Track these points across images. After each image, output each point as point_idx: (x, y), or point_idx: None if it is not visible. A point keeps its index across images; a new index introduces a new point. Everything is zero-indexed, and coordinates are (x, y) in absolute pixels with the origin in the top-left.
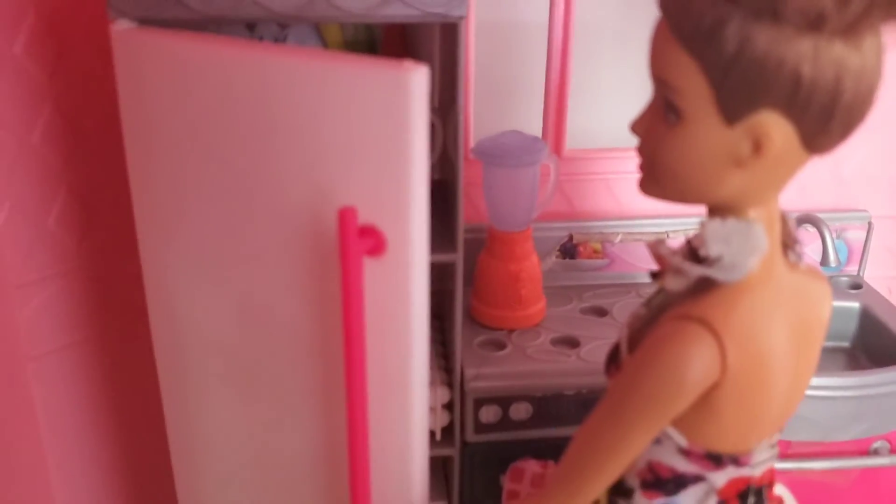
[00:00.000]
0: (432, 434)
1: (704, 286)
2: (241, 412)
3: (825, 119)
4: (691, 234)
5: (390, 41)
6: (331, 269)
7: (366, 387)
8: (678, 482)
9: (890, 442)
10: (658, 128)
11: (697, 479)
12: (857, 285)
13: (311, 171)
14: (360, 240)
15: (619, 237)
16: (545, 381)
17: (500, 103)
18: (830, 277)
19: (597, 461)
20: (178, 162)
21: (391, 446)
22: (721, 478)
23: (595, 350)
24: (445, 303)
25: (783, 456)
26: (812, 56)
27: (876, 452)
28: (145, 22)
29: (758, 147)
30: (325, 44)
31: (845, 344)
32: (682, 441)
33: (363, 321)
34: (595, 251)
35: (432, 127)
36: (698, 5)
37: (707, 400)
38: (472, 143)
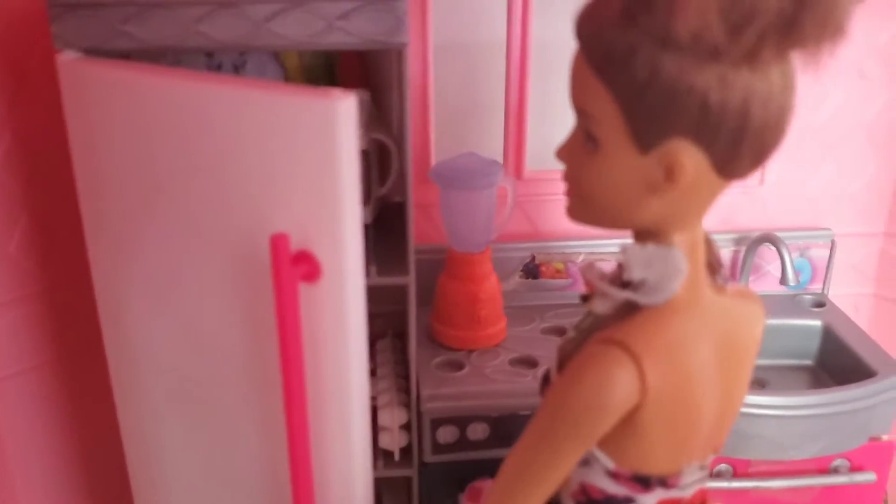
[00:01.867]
0: (391, 454)
1: (630, 310)
2: (192, 434)
3: (735, 145)
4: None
5: (348, 65)
6: (269, 294)
7: (305, 411)
8: None
9: (849, 460)
10: (580, 155)
11: (627, 500)
12: (820, 303)
13: (247, 198)
14: (294, 266)
15: (581, 257)
16: (502, 401)
17: (463, 124)
18: (794, 296)
19: (525, 482)
20: (125, 188)
21: (333, 469)
22: (650, 500)
23: None
24: (406, 323)
25: (743, 475)
26: (718, 84)
27: (836, 471)
28: (94, 52)
29: (670, 174)
30: (284, 68)
31: (808, 362)
32: (610, 463)
33: (300, 346)
34: (558, 271)
35: (388, 150)
36: (609, 34)
37: (630, 422)
38: (432, 165)
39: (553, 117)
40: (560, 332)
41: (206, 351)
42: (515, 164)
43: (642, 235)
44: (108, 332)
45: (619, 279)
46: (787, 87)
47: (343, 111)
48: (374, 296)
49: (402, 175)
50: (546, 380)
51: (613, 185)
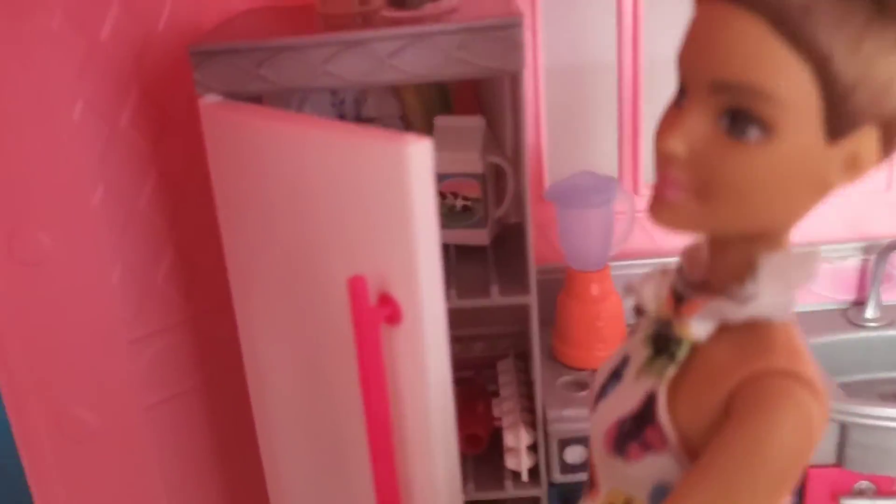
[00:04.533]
0: (518, 475)
1: (733, 327)
2: (318, 453)
3: None
4: (684, 266)
5: (463, 92)
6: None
7: (391, 450)
8: None
9: None
10: (717, 143)
11: None
12: None
13: (335, 240)
14: (377, 308)
15: None
16: None
17: (576, 142)
18: None
19: None
20: (252, 224)
21: None
22: None
23: None
24: (527, 343)
25: (887, 493)
26: None
27: None
28: (233, 95)
29: (853, 167)
30: (402, 99)
31: None
32: None
33: (384, 386)
34: None
35: (503, 173)
36: (828, 4)
37: None
38: (546, 185)
39: None
40: None
41: (319, 381)
42: (632, 179)
43: (749, 237)
44: (247, 359)
45: (707, 291)
46: None
47: (416, 155)
48: (496, 316)
49: (518, 196)
50: (626, 434)
51: (782, 182)
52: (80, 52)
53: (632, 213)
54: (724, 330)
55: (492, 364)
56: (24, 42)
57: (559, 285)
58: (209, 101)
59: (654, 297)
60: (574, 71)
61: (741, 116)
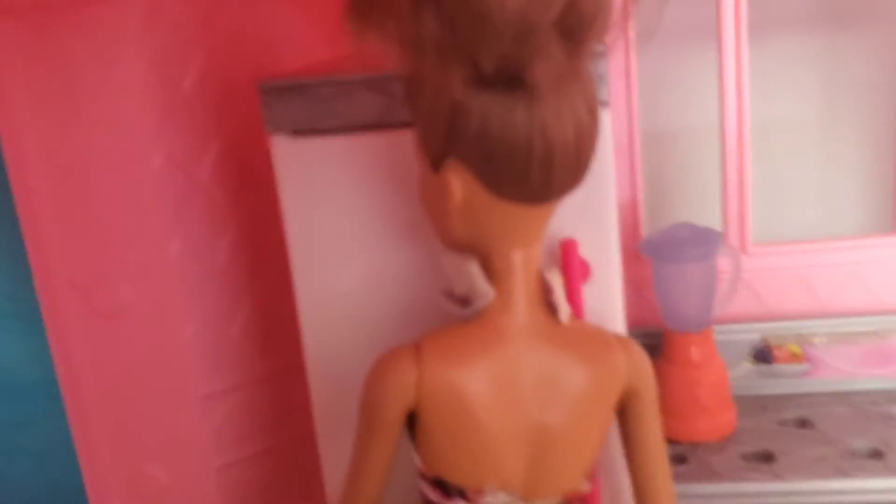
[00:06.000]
0: None
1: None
2: None
3: (492, 165)
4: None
5: None
6: None
7: None
8: None
9: None
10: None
11: None
12: None
13: None
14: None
15: (821, 338)
16: (733, 500)
17: (677, 196)
18: None
19: (349, 480)
20: (336, 260)
21: None
22: None
23: (793, 466)
24: None
25: None
26: (469, 103)
27: None
28: (304, 134)
29: (447, 192)
30: None
31: None
32: (418, 462)
33: None
34: (794, 355)
35: None
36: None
37: (418, 421)
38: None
39: (780, 184)
40: (801, 424)
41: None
42: (739, 235)
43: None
44: (319, 419)
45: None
46: (565, 114)
47: None
48: None
49: None
50: None
51: (424, 200)
52: (162, 102)
53: (737, 270)
54: None
55: None
56: (108, 93)
57: (655, 351)
58: (280, 139)
59: None
60: (672, 126)
61: None
